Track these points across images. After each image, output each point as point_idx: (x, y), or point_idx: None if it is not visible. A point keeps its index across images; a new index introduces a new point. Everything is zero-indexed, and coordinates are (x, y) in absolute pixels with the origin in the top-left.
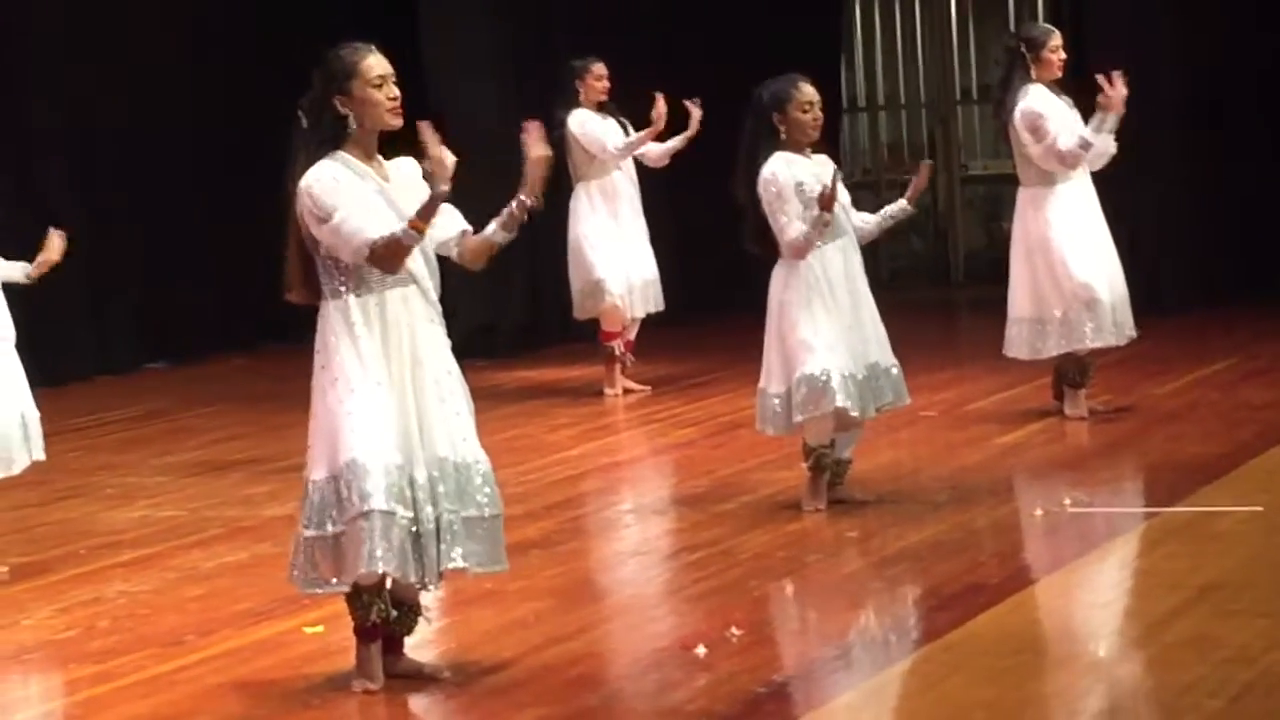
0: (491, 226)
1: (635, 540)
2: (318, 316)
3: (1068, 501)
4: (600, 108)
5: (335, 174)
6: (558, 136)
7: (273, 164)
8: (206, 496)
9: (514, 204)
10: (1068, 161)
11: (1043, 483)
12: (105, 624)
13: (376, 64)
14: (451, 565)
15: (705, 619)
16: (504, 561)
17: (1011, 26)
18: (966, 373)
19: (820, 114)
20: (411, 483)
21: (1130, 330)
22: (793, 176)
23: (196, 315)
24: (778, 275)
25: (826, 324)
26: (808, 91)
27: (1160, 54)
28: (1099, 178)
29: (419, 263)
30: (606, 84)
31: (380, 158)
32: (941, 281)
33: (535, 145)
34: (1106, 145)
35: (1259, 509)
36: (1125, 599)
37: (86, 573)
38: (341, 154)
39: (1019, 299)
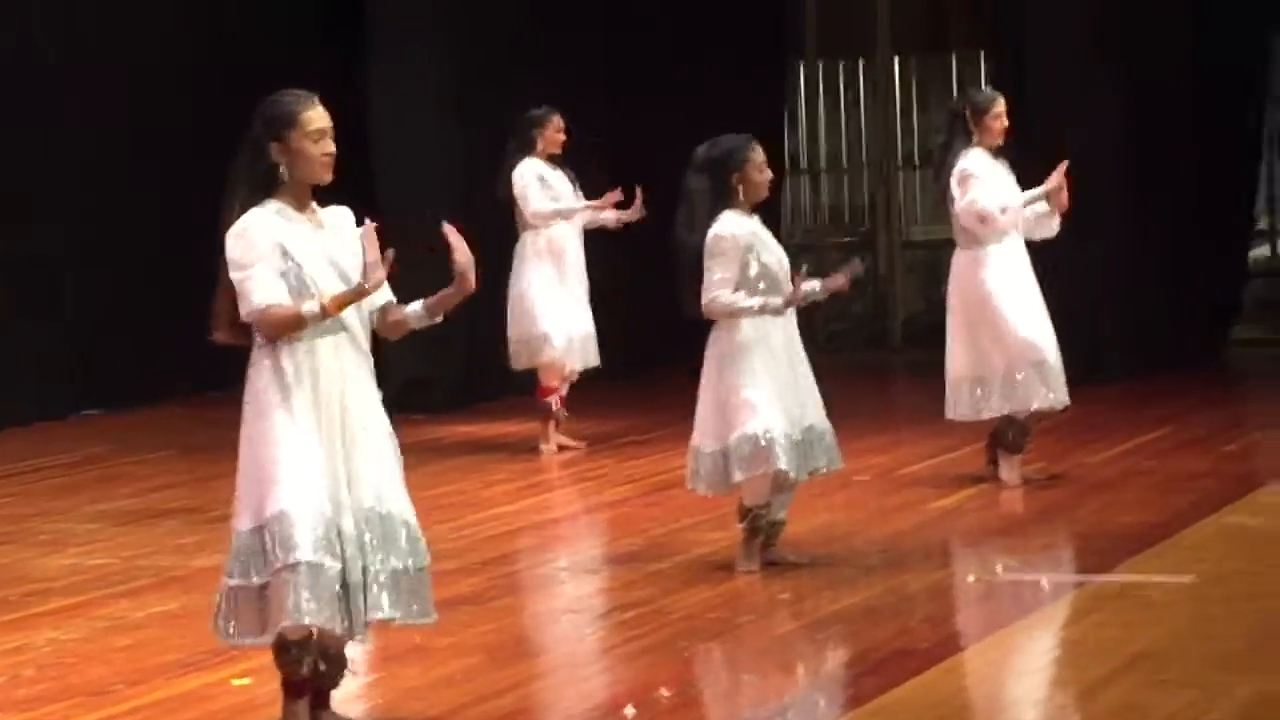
0: (414, 307)
1: (567, 598)
2: (248, 364)
3: (1000, 568)
4: (552, 159)
5: (264, 223)
6: (506, 182)
7: (206, 213)
8: (138, 545)
9: (440, 296)
10: (987, 222)
11: (976, 548)
12: (31, 672)
13: (317, 117)
14: (378, 616)
15: (635, 679)
16: (432, 614)
17: (954, 92)
18: (903, 436)
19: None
20: (340, 533)
21: (1065, 397)
22: (743, 238)
23: (134, 361)
24: (717, 333)
25: (767, 384)
26: (761, 152)
27: (1100, 120)
28: (1039, 241)
29: (351, 313)
30: (563, 137)
31: (314, 205)
32: (880, 345)
33: (459, 250)
34: (1049, 227)
35: (1190, 579)
36: (1055, 667)
37: (15, 620)
38: (274, 202)
39: (959, 360)
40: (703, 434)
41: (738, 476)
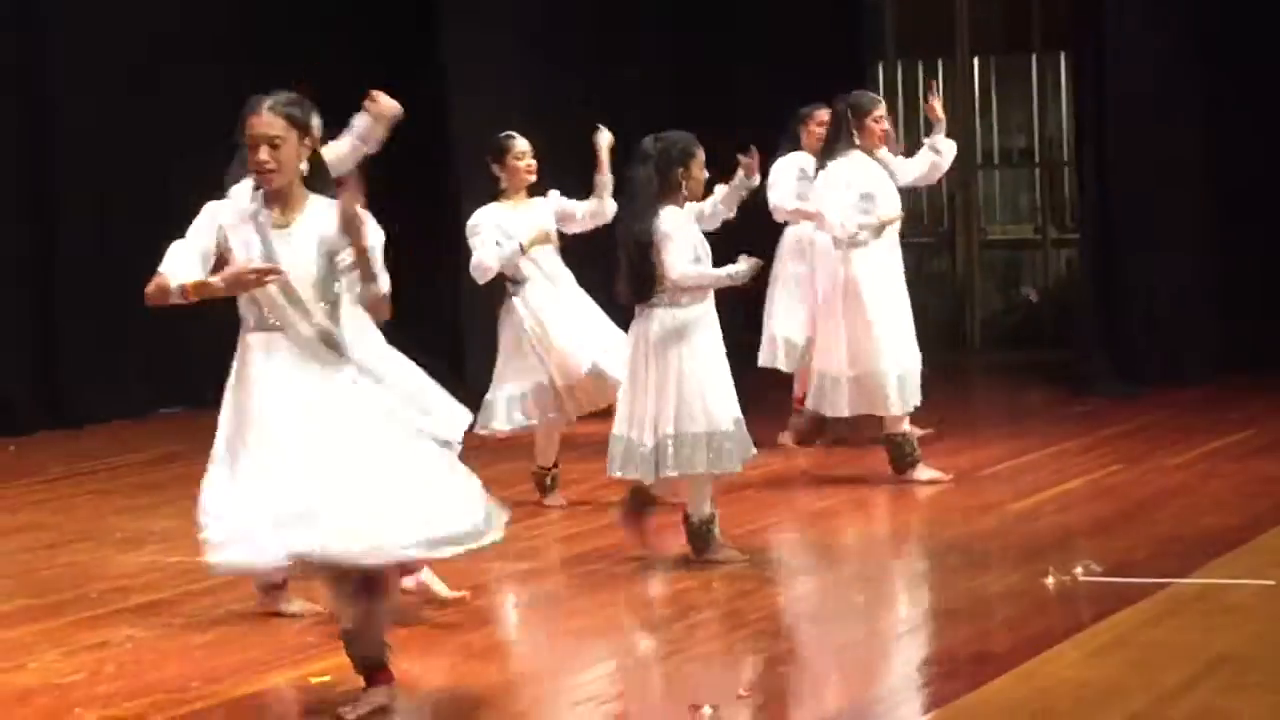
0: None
1: (645, 598)
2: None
3: (1079, 570)
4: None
5: (222, 208)
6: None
7: None
8: None
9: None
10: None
11: (1054, 551)
12: (111, 669)
13: (254, 123)
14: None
15: (713, 680)
16: None
17: (1034, 92)
18: (980, 438)
19: None
20: None
21: (915, 401)
22: (688, 233)
23: (209, 359)
24: (663, 324)
25: (724, 374)
26: (703, 152)
27: (1182, 120)
28: (1123, 242)
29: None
30: (825, 131)
31: (309, 197)
32: (958, 345)
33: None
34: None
35: (1271, 583)
36: (1134, 670)
37: (95, 617)
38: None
39: (829, 354)
40: (644, 423)
41: (722, 467)
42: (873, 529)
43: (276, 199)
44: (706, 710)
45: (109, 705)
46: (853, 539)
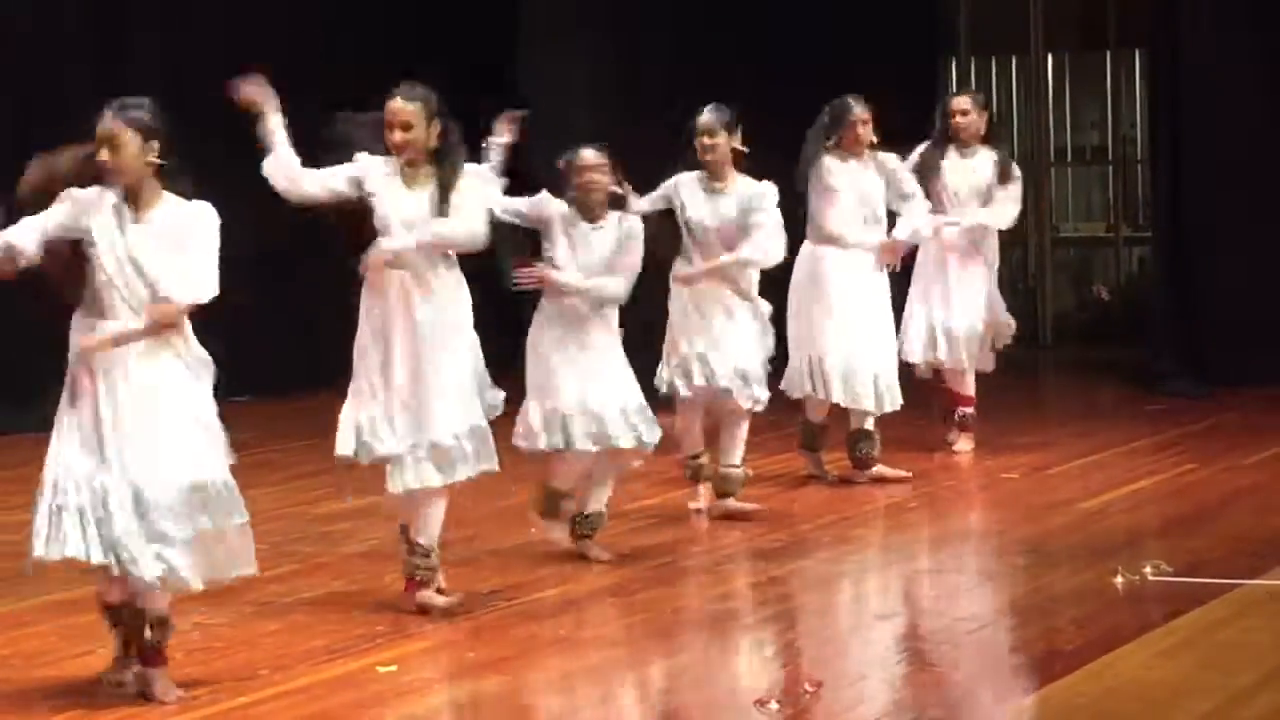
0: None
1: (710, 593)
2: None
3: (1148, 569)
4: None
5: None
6: None
7: None
8: (285, 531)
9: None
10: None
11: (1124, 550)
12: (180, 656)
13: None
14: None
15: (779, 673)
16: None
17: (1108, 90)
18: (1051, 436)
19: None
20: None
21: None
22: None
23: (280, 350)
24: None
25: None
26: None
27: (1258, 117)
28: (1196, 241)
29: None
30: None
31: (164, 196)
32: (1030, 342)
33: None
34: None
35: None
36: (1204, 671)
37: None
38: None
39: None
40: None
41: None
42: (942, 525)
43: (130, 196)
44: (773, 705)
45: None
46: (922, 535)
